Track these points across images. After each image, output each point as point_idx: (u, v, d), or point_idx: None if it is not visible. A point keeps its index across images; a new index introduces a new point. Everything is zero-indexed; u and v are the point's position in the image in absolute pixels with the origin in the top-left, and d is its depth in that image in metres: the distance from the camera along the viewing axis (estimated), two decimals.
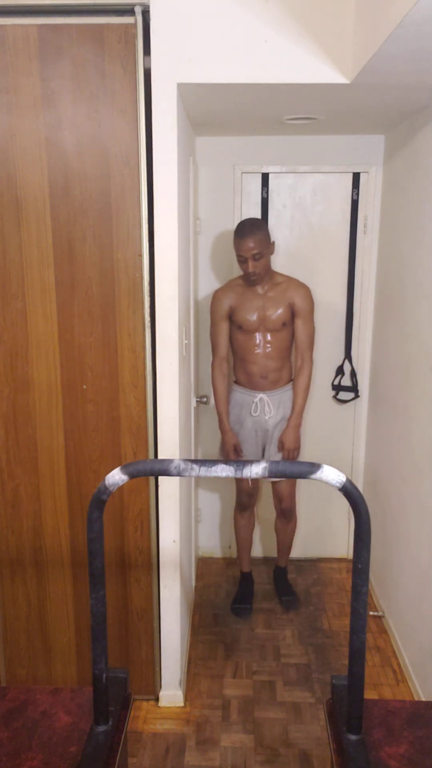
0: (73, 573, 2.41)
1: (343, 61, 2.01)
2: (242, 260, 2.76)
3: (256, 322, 2.86)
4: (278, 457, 2.97)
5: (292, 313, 2.87)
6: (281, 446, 2.94)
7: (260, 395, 2.93)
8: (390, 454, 2.97)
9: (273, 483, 3.08)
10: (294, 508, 3.17)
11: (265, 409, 2.94)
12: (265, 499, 3.47)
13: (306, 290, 2.88)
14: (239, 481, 3.11)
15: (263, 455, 3.02)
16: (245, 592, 3.23)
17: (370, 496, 3.31)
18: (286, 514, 3.16)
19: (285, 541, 3.26)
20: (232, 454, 2.95)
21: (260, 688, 2.63)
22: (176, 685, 2.53)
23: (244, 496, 3.14)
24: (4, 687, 1.57)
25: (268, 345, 2.89)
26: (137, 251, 2.15)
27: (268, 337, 2.88)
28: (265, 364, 2.91)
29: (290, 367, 2.99)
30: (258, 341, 2.88)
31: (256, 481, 3.12)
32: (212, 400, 3.06)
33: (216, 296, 2.91)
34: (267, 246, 2.76)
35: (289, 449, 2.93)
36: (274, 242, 2.82)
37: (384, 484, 3.07)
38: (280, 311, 2.84)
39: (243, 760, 2.27)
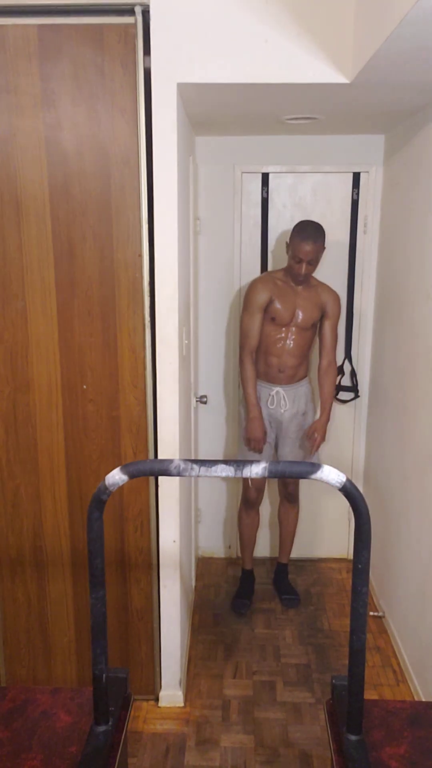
0: (73, 573, 2.41)
1: (343, 61, 2.00)
2: (297, 261, 2.82)
3: (288, 317, 2.93)
4: (292, 448, 3.07)
5: (321, 316, 2.97)
6: (310, 435, 3.01)
7: (277, 388, 3.00)
8: (390, 454, 2.97)
9: None
10: (298, 494, 3.24)
11: (281, 402, 3.01)
12: (264, 499, 3.47)
13: (337, 296, 2.99)
14: (247, 479, 3.13)
15: (276, 447, 3.09)
16: (246, 589, 3.27)
17: (370, 496, 3.30)
18: (291, 499, 3.23)
19: (288, 530, 3.29)
20: (261, 440, 2.99)
21: (260, 688, 2.63)
22: (176, 685, 2.53)
23: (253, 492, 3.17)
24: (4, 687, 1.57)
25: (293, 342, 2.97)
26: (137, 251, 2.15)
27: (295, 334, 2.96)
28: (286, 359, 2.98)
29: (307, 365, 3.08)
30: (284, 335, 2.95)
31: (263, 481, 3.16)
32: (242, 387, 3.08)
33: (256, 287, 2.95)
34: (322, 252, 2.86)
35: (319, 442, 3.00)
36: (325, 248, 2.89)
37: (384, 484, 3.07)
38: (313, 312, 2.94)
39: (243, 761, 2.27)
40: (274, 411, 3.02)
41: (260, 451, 3.01)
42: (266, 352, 3.00)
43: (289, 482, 3.18)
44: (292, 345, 2.97)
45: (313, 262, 2.82)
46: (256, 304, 2.93)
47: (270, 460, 3.10)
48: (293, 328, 2.95)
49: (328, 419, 3.03)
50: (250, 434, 2.99)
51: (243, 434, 3.06)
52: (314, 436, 2.99)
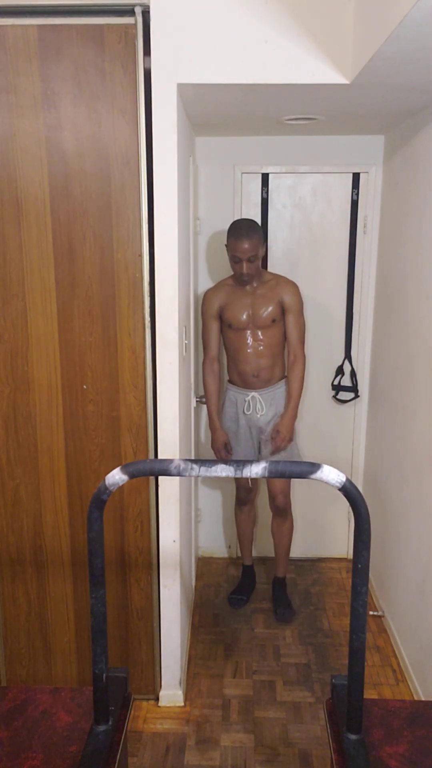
0: (73, 573, 2.41)
1: (343, 61, 2.01)
2: (236, 260, 2.79)
3: (245, 321, 2.90)
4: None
5: (282, 311, 2.91)
6: (275, 435, 2.94)
7: (252, 393, 2.97)
8: (390, 454, 2.97)
9: (267, 480, 3.10)
10: (288, 508, 3.15)
11: (257, 407, 2.97)
12: (264, 496, 3.47)
13: (294, 287, 2.91)
14: (238, 477, 3.13)
15: (259, 453, 3.04)
16: (244, 584, 3.28)
17: (370, 496, 3.31)
18: (280, 513, 3.15)
19: (281, 544, 3.21)
20: (222, 452, 3.01)
21: (260, 688, 2.63)
22: (176, 685, 2.53)
23: (242, 491, 3.19)
24: (4, 687, 1.57)
25: (259, 343, 2.92)
26: (137, 251, 2.15)
27: (259, 335, 2.92)
28: (257, 362, 2.94)
29: (282, 364, 3.02)
30: (248, 339, 2.92)
31: (254, 479, 3.14)
32: (204, 397, 3.11)
33: (206, 297, 2.97)
34: (261, 248, 2.80)
35: (283, 437, 2.92)
36: (265, 243, 2.86)
37: (384, 484, 3.07)
38: (269, 309, 2.88)
39: (243, 760, 2.27)
40: (251, 416, 2.98)
41: (223, 455, 3.01)
42: (235, 360, 2.98)
43: (276, 495, 3.08)
44: (261, 347, 2.92)
45: (253, 259, 2.77)
46: (208, 314, 2.95)
47: (250, 450, 2.99)
48: (255, 330, 2.91)
49: (293, 416, 2.95)
50: (213, 444, 3.03)
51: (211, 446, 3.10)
52: (275, 435, 2.93)
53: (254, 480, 3.15)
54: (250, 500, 3.22)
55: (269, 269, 3.31)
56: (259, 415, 2.98)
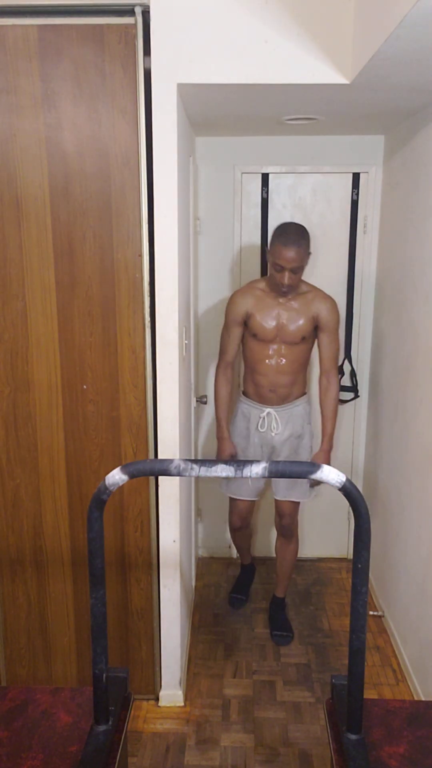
0: (73, 573, 2.41)
1: (343, 61, 2.01)
2: (278, 269, 2.54)
3: (272, 332, 2.66)
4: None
5: (315, 328, 2.68)
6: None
7: (268, 410, 2.76)
8: (390, 454, 2.97)
9: (276, 499, 2.91)
10: (295, 528, 2.96)
11: (273, 425, 2.76)
12: (264, 511, 3.47)
13: (332, 303, 2.67)
14: (233, 503, 2.97)
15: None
16: (242, 583, 3.24)
17: (370, 496, 3.31)
18: (286, 533, 2.96)
19: (284, 565, 3.01)
20: (228, 459, 2.83)
21: (260, 688, 2.63)
22: (176, 685, 2.53)
23: (236, 519, 2.95)
24: (4, 687, 1.57)
25: (283, 358, 2.70)
26: (137, 251, 2.15)
27: (284, 350, 2.69)
28: (276, 378, 2.72)
29: (303, 382, 2.84)
30: (272, 352, 2.70)
31: (251, 505, 2.95)
32: (214, 404, 2.89)
33: (233, 299, 2.72)
34: (307, 257, 2.58)
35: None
36: (311, 253, 2.62)
37: (384, 484, 3.07)
38: (301, 323, 2.65)
39: (243, 760, 2.27)
40: (264, 434, 2.78)
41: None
42: (253, 371, 2.76)
43: (284, 515, 2.89)
44: (283, 362, 2.69)
45: (298, 270, 2.53)
46: (233, 318, 2.71)
47: (257, 482, 2.91)
48: (281, 345, 2.68)
49: (329, 448, 2.74)
50: (219, 455, 2.83)
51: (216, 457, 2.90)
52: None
53: (250, 508, 2.95)
54: (246, 525, 3.03)
55: (269, 270, 3.31)
56: (273, 434, 2.76)
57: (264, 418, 2.77)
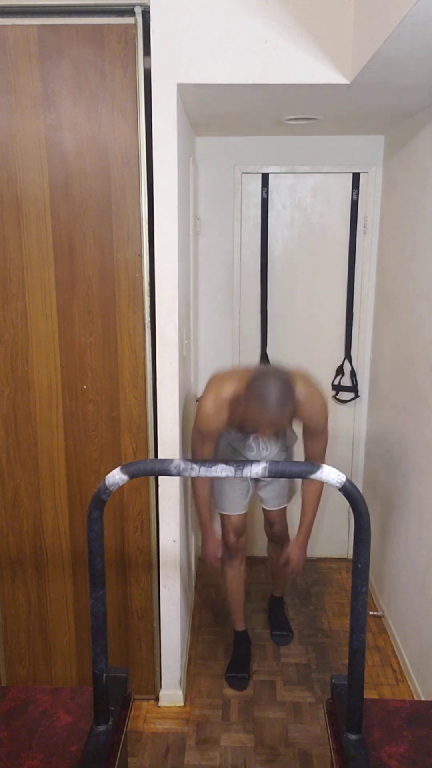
0: (73, 573, 2.41)
1: (343, 61, 2.01)
2: (253, 428, 2.21)
3: (251, 429, 2.33)
4: (275, 486, 2.68)
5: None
6: (284, 563, 2.58)
7: (253, 436, 2.52)
8: (390, 454, 2.97)
9: (265, 509, 2.79)
10: (286, 534, 2.83)
11: (261, 446, 2.55)
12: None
13: (321, 404, 2.31)
14: (227, 519, 2.70)
15: (248, 493, 2.69)
16: (241, 657, 2.75)
17: (370, 496, 3.31)
18: (277, 540, 2.86)
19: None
20: (216, 564, 2.62)
21: (260, 688, 2.63)
22: (176, 685, 2.53)
23: (231, 535, 2.69)
24: (4, 687, 1.57)
25: (265, 436, 2.31)
26: (137, 251, 2.15)
27: (266, 435, 2.37)
28: (261, 436, 2.44)
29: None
30: (254, 436, 2.51)
31: (243, 518, 2.71)
32: (194, 504, 2.60)
33: (207, 409, 2.29)
34: (290, 418, 2.26)
35: (294, 567, 2.55)
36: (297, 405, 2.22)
37: (384, 484, 3.07)
38: (285, 420, 2.26)
39: (243, 760, 2.27)
40: (255, 457, 2.55)
41: (217, 568, 2.66)
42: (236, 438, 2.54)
43: (274, 522, 2.78)
44: (269, 435, 2.30)
45: (278, 429, 2.23)
46: (206, 432, 2.33)
47: (246, 495, 2.70)
48: (264, 434, 2.22)
49: (306, 540, 2.53)
50: (205, 556, 2.61)
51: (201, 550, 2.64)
52: (288, 562, 2.55)
53: (242, 522, 2.69)
54: (240, 548, 2.72)
55: (269, 269, 3.31)
56: (264, 453, 2.57)
57: (251, 443, 2.54)
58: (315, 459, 2.42)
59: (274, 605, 3.07)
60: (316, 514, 2.55)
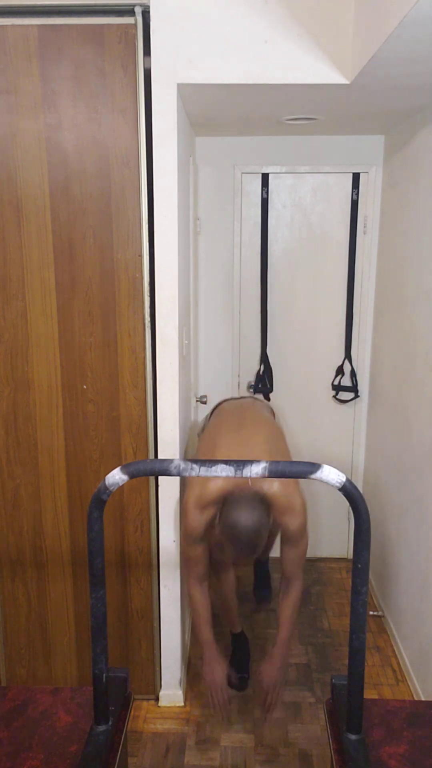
0: (73, 573, 2.41)
1: (343, 61, 2.01)
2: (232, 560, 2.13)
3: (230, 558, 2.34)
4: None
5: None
6: (264, 687, 2.24)
7: None
8: (390, 454, 2.97)
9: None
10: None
11: None
12: None
13: (299, 512, 2.14)
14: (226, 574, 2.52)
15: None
16: (240, 657, 2.71)
17: (370, 496, 3.31)
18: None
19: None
20: (221, 692, 2.22)
21: (260, 688, 2.63)
22: (176, 685, 2.53)
23: (217, 552, 2.45)
24: (4, 687, 1.57)
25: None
26: (137, 251, 2.15)
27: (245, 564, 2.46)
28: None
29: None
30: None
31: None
32: (191, 618, 2.43)
33: (191, 522, 2.14)
34: (267, 542, 2.12)
35: (269, 687, 2.21)
36: (273, 521, 2.10)
37: (384, 484, 3.07)
38: (258, 552, 2.08)
39: (243, 760, 2.27)
40: None
41: (222, 702, 2.23)
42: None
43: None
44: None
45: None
46: (194, 537, 2.17)
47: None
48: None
49: (282, 659, 2.23)
50: (208, 679, 2.24)
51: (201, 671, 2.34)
52: (267, 691, 2.22)
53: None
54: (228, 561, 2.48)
55: (269, 269, 3.32)
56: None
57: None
58: (292, 565, 2.22)
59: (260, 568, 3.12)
60: (293, 629, 2.28)
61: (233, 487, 2.04)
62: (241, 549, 1.96)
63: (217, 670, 2.23)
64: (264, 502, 2.01)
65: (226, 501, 2.01)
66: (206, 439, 2.40)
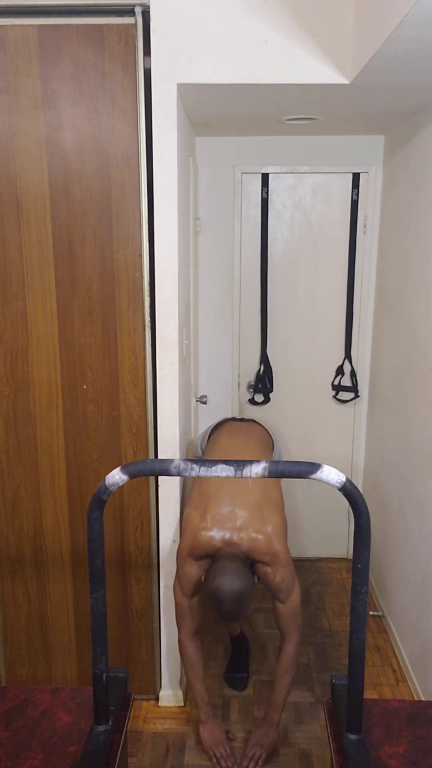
0: (73, 573, 2.41)
1: (343, 61, 2.01)
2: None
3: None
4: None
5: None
6: (253, 748, 2.23)
7: None
8: (390, 454, 2.97)
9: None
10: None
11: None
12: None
13: (278, 562, 2.09)
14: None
15: None
16: (239, 657, 2.72)
17: (370, 496, 3.31)
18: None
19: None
20: (220, 752, 2.22)
21: (260, 688, 2.63)
22: (176, 685, 2.53)
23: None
24: (4, 687, 1.57)
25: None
26: (137, 251, 2.15)
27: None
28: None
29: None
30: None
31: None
32: (183, 668, 2.37)
33: (186, 571, 2.14)
34: (250, 604, 2.08)
35: (262, 752, 2.21)
36: (255, 576, 2.12)
37: (384, 484, 3.07)
38: (242, 615, 2.10)
39: None
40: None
41: (227, 756, 2.21)
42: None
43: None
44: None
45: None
46: (189, 586, 2.16)
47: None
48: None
49: (278, 721, 2.23)
50: (208, 740, 2.23)
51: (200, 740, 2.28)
52: (257, 745, 2.22)
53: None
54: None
55: (269, 269, 3.31)
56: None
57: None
58: (283, 625, 2.19)
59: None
60: (289, 690, 2.23)
61: (222, 543, 2.06)
62: (223, 615, 1.98)
63: (215, 729, 2.26)
64: (249, 567, 2.03)
65: (214, 560, 2.04)
66: (199, 487, 2.28)
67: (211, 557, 2.10)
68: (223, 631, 2.99)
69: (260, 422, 2.71)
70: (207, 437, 2.62)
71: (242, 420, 2.73)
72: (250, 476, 1.27)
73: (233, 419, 2.74)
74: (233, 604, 1.95)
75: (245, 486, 2.21)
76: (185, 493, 2.53)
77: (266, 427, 2.68)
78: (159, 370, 2.26)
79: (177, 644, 2.47)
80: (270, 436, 2.66)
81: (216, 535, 2.08)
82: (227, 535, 2.07)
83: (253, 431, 2.63)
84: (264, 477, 1.27)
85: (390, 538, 2.95)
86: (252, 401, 3.45)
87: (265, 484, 2.26)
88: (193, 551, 2.12)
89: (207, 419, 3.45)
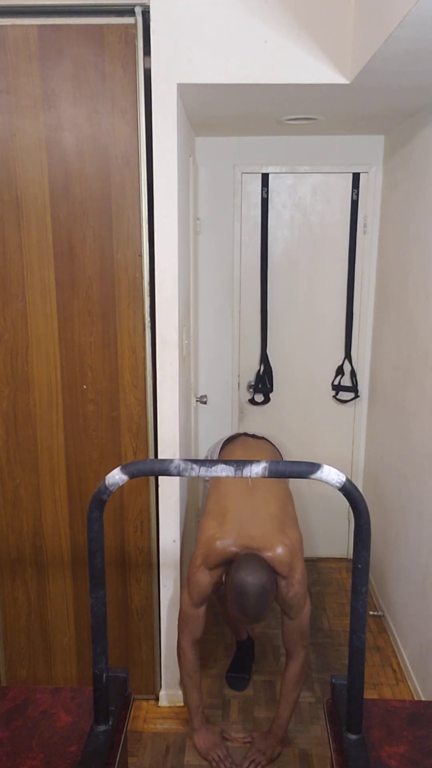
0: (73, 573, 2.41)
1: (343, 61, 2.01)
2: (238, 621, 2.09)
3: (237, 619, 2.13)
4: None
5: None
6: (255, 755, 2.23)
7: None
8: (390, 454, 2.97)
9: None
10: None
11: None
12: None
13: (294, 578, 2.10)
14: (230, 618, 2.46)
15: None
16: (243, 658, 2.73)
17: (370, 496, 3.31)
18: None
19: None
20: (219, 754, 2.24)
21: (260, 688, 2.63)
22: (176, 685, 2.53)
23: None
24: (4, 687, 1.57)
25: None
26: (137, 251, 2.15)
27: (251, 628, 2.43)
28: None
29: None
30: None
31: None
32: (180, 675, 2.38)
33: (199, 581, 2.13)
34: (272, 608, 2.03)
35: (263, 759, 2.22)
36: (276, 579, 2.08)
37: (384, 484, 3.07)
38: (264, 618, 2.06)
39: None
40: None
41: (225, 759, 2.22)
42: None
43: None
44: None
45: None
46: (200, 596, 2.14)
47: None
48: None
49: (283, 736, 2.25)
50: (203, 746, 2.25)
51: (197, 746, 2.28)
52: (257, 756, 2.22)
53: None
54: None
55: (269, 269, 3.31)
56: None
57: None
58: (290, 642, 2.18)
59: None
60: (293, 711, 2.23)
61: (240, 549, 2.05)
62: (247, 612, 1.92)
63: (208, 734, 2.27)
64: (269, 567, 1.99)
65: (233, 561, 2.01)
66: (215, 499, 2.27)
67: (226, 566, 2.08)
68: (224, 631, 2.99)
69: (272, 441, 2.69)
70: (219, 449, 2.62)
71: (254, 436, 2.71)
72: (250, 476, 1.27)
73: (245, 434, 2.72)
74: (258, 599, 1.89)
75: (263, 500, 2.21)
76: (200, 505, 2.49)
77: (277, 447, 2.67)
78: (159, 370, 2.26)
79: (175, 640, 2.47)
80: (281, 457, 2.66)
81: (233, 542, 2.07)
82: (246, 543, 2.06)
83: (266, 449, 2.61)
84: (265, 477, 1.27)
85: (390, 538, 2.95)
86: (252, 401, 3.45)
87: (283, 502, 2.27)
88: (207, 559, 2.10)
89: (207, 419, 3.45)
